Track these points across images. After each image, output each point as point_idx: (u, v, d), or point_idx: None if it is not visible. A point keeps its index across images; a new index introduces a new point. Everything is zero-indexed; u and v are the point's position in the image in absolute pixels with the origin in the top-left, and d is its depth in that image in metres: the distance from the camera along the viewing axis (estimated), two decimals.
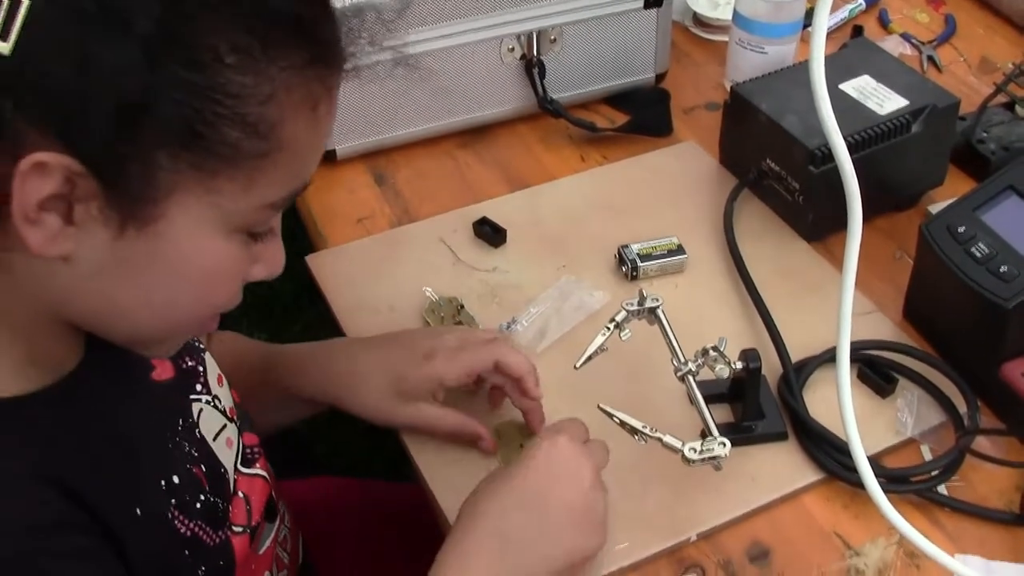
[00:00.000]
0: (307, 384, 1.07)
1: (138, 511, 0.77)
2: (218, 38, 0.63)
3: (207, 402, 0.92)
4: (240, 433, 0.95)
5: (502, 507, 0.88)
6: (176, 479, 0.83)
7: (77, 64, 0.60)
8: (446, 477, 1.02)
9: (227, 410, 0.94)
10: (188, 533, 0.82)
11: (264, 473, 0.97)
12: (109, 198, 0.64)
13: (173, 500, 0.82)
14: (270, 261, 0.76)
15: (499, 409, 1.07)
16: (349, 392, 1.04)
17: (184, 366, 0.91)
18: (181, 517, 0.82)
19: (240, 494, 0.92)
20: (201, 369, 0.93)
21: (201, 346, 0.95)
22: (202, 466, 0.87)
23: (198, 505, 0.84)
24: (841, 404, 0.87)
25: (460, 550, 0.87)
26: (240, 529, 0.90)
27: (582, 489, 0.90)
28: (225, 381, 0.96)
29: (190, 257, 0.70)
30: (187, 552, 0.82)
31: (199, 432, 0.89)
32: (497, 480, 0.90)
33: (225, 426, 0.93)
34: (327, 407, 1.08)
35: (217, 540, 0.86)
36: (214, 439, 0.90)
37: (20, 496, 0.68)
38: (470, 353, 1.02)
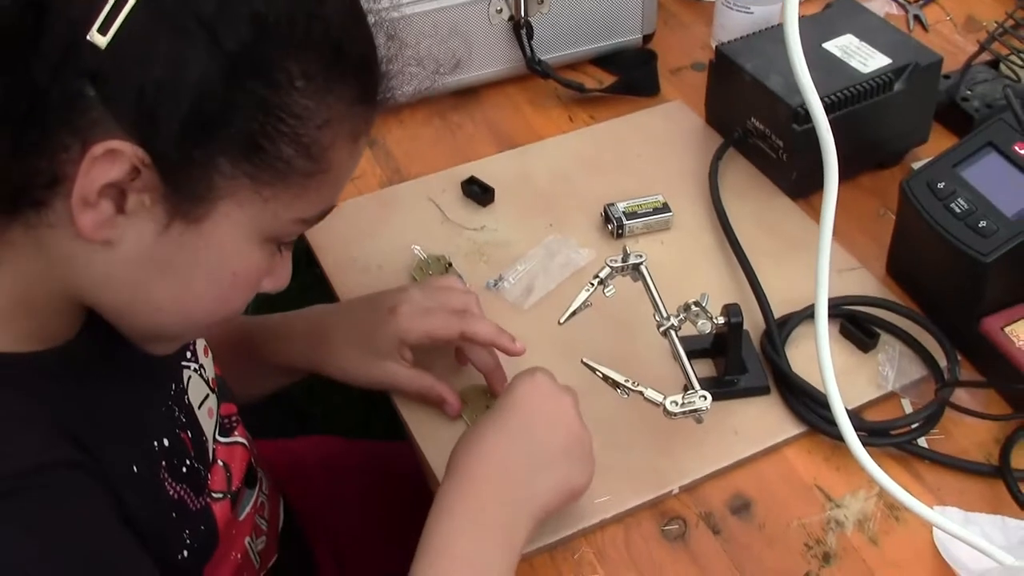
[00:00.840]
0: (284, 352, 1.08)
1: (135, 468, 0.79)
2: (293, 63, 0.68)
3: (195, 370, 0.93)
4: (219, 404, 0.97)
5: (494, 445, 0.90)
6: (167, 442, 0.84)
7: (167, 67, 0.65)
8: (435, 436, 1.03)
9: (210, 380, 0.96)
10: (175, 496, 0.84)
11: (243, 440, 0.99)
12: (165, 193, 0.68)
13: (163, 462, 0.83)
14: (279, 275, 0.80)
15: (465, 368, 1.08)
16: (324, 355, 1.06)
17: None
18: (170, 480, 0.84)
19: (219, 462, 0.93)
20: None
21: None
22: (188, 432, 0.89)
23: (184, 469, 0.86)
24: (820, 358, 0.88)
25: (460, 491, 0.87)
26: (220, 495, 0.91)
27: (567, 420, 0.92)
28: (210, 352, 0.98)
29: (225, 259, 0.73)
30: (174, 515, 0.84)
31: (187, 399, 0.91)
32: (483, 424, 0.91)
33: (208, 396, 0.94)
34: (307, 374, 1.09)
35: (199, 505, 0.87)
36: (199, 407, 0.92)
37: (34, 432, 0.70)
38: (437, 319, 1.03)
